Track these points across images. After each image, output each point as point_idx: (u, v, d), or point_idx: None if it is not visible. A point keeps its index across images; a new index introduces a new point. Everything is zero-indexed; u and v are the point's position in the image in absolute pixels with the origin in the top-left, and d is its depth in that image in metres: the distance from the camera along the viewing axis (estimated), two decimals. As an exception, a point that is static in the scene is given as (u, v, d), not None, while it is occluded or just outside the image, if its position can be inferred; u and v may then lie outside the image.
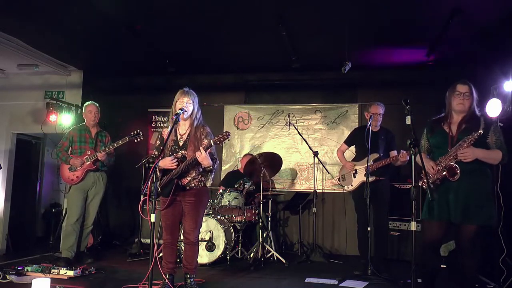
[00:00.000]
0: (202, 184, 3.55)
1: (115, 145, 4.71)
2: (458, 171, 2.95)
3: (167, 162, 3.41)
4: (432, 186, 2.98)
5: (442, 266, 4.73)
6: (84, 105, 5.05)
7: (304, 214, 6.03)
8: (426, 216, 3.11)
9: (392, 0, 4.07)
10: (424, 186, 3.03)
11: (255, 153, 6.36)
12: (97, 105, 5.02)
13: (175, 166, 3.41)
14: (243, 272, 4.50)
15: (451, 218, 3.00)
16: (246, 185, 5.50)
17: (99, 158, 4.75)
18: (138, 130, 4.62)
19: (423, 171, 3.01)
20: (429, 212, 3.09)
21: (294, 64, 5.62)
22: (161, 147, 3.43)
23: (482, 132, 2.94)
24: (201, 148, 3.26)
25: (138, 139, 4.63)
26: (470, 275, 3.01)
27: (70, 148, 4.89)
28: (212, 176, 3.61)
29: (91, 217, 4.96)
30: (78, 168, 4.78)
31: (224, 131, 3.34)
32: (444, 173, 3.00)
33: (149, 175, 3.19)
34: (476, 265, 3.06)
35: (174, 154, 3.50)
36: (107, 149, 4.75)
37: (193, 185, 3.50)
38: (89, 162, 4.77)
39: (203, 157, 3.25)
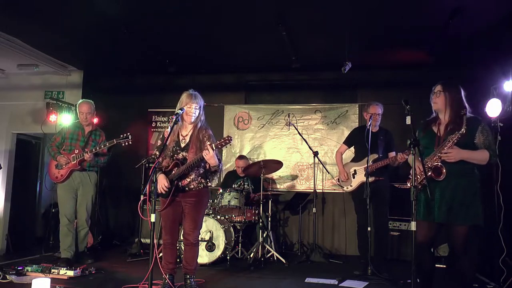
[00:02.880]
0: (202, 185, 3.54)
1: (102, 146, 4.56)
2: (444, 171, 2.93)
3: (161, 183, 3.40)
4: (419, 187, 2.96)
5: (442, 266, 4.74)
6: (77, 104, 4.88)
7: (304, 214, 6.02)
8: (417, 216, 3.11)
9: (392, 0, 4.07)
10: (409, 184, 3.01)
11: (255, 153, 6.40)
12: (91, 102, 4.84)
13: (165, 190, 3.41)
14: (243, 272, 4.50)
15: (435, 219, 2.97)
16: (246, 185, 5.49)
17: (85, 159, 4.58)
18: (127, 133, 4.40)
19: (411, 172, 3.00)
20: (418, 212, 3.09)
21: (294, 64, 5.62)
22: (162, 147, 3.43)
23: (464, 131, 2.90)
24: (208, 146, 3.24)
25: (126, 143, 4.41)
26: (468, 275, 3.00)
27: (63, 144, 4.77)
28: (217, 175, 3.60)
29: (82, 219, 4.79)
30: (64, 166, 4.68)
31: (226, 135, 3.34)
32: (430, 173, 2.96)
33: (149, 175, 3.18)
34: (472, 265, 3.05)
35: (175, 156, 3.50)
36: (93, 150, 4.58)
37: (192, 186, 3.50)
38: (74, 162, 4.62)
39: (210, 155, 3.23)
